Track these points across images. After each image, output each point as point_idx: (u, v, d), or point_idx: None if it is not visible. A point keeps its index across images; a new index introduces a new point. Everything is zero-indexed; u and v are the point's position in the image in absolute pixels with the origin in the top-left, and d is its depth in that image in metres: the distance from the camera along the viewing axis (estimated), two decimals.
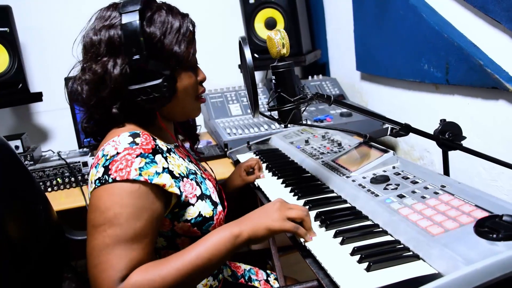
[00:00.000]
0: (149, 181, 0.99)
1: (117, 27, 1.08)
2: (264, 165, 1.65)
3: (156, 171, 1.02)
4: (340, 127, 2.08)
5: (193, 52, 1.18)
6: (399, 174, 1.24)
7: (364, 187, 1.22)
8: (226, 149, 2.02)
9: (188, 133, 1.43)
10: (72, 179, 1.91)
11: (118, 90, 1.08)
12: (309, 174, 1.49)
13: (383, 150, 1.37)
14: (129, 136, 1.05)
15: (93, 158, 1.07)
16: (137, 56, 1.05)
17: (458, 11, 1.66)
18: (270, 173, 1.56)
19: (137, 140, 1.05)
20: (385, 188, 1.17)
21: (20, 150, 1.93)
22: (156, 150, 1.07)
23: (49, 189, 1.90)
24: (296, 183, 1.41)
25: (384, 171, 1.29)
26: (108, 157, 1.01)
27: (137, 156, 1.01)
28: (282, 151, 1.81)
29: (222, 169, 1.92)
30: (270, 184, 1.46)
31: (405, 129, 1.31)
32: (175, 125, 1.33)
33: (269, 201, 1.34)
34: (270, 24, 2.51)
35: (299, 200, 1.28)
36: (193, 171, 1.20)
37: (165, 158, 1.08)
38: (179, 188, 1.07)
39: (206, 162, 1.51)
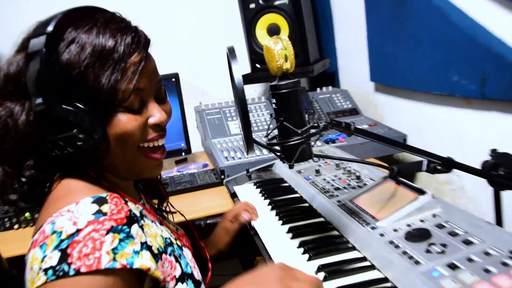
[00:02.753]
0: (128, 266, 0.71)
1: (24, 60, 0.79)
2: (266, 202, 1.35)
3: (133, 249, 0.73)
4: (356, 148, 1.82)
5: (139, 84, 0.82)
6: (444, 226, 0.94)
7: (397, 246, 0.91)
8: (222, 176, 1.73)
9: (150, 188, 1.12)
10: None
11: (26, 143, 0.80)
12: (322, 219, 1.19)
13: (417, 191, 1.07)
14: (92, 202, 0.75)
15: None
16: (39, 100, 0.75)
17: (495, 12, 1.38)
18: (273, 213, 1.26)
19: (105, 208, 0.75)
20: (427, 250, 0.87)
21: None
22: (131, 219, 0.77)
23: (15, 226, 1.60)
24: (307, 233, 1.11)
25: (422, 221, 0.99)
26: (64, 237, 0.70)
27: (107, 232, 0.72)
28: (287, 183, 1.51)
29: (219, 200, 1.64)
30: (273, 233, 1.16)
31: (446, 165, 1.01)
32: None
33: (269, 257, 1.04)
34: (273, 31, 2.23)
35: (310, 261, 0.98)
36: (169, 240, 0.90)
37: (142, 228, 0.80)
38: (157, 270, 0.78)
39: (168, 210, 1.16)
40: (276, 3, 2.17)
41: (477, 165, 1.08)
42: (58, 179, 0.84)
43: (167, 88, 2.03)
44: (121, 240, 0.72)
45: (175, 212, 1.16)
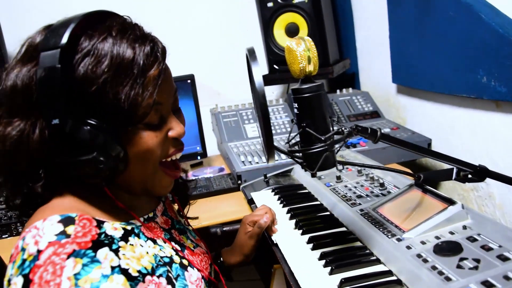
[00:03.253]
0: None
1: (34, 75, 0.74)
2: (285, 210, 1.30)
3: (102, 273, 0.69)
4: (378, 153, 1.76)
5: (159, 99, 0.78)
6: (475, 240, 0.88)
7: (426, 260, 0.85)
8: (239, 182, 1.68)
9: (175, 191, 1.08)
10: None
11: (38, 165, 0.77)
12: (344, 229, 1.13)
13: (446, 200, 1.00)
14: (58, 222, 0.72)
15: None
16: (55, 121, 0.70)
17: None
18: (292, 222, 1.21)
19: (70, 229, 0.71)
20: (459, 266, 0.81)
21: None
22: (99, 243, 0.73)
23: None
24: (328, 243, 1.05)
25: (452, 233, 0.92)
26: (26, 256, 0.68)
27: (68, 257, 0.68)
28: (307, 189, 1.45)
29: (236, 206, 1.59)
30: (292, 243, 1.11)
31: (479, 174, 0.95)
32: None
33: (289, 269, 0.99)
34: (292, 31, 2.18)
35: (332, 275, 0.92)
36: (167, 259, 0.86)
37: (116, 251, 0.75)
38: None
39: (197, 232, 1.14)
40: (295, 1, 2.12)
41: (507, 172, 1.02)
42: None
43: (182, 90, 1.99)
44: (84, 265, 0.69)
45: (196, 218, 1.14)
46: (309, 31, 2.13)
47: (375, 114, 2.18)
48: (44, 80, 0.70)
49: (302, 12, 2.12)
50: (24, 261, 0.67)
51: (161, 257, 0.84)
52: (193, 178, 1.85)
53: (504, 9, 1.42)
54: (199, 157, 2.07)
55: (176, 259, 0.88)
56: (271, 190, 1.50)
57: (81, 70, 0.72)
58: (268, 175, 1.60)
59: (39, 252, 0.67)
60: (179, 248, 0.93)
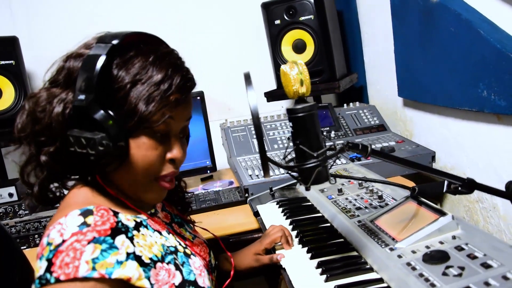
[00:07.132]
0: (107, 276, 0.75)
1: (83, 58, 0.86)
2: (287, 222, 1.36)
3: (117, 259, 0.78)
4: (383, 166, 1.80)
5: (170, 120, 0.87)
6: (463, 249, 0.92)
7: (414, 268, 0.90)
8: (246, 195, 1.74)
9: (172, 198, 1.17)
10: None
11: (53, 130, 0.85)
12: (342, 240, 1.18)
13: (438, 211, 1.05)
14: (79, 215, 0.81)
15: None
16: (82, 96, 0.81)
17: None
18: (294, 233, 1.27)
19: (89, 220, 0.80)
20: (444, 273, 0.86)
21: (15, 197, 1.72)
22: (117, 230, 0.82)
23: None
24: (326, 253, 1.11)
25: (441, 243, 0.97)
26: (52, 247, 0.76)
27: (89, 243, 0.77)
28: (310, 202, 1.51)
29: (243, 218, 1.65)
30: (293, 253, 1.17)
31: (467, 186, 0.99)
32: None
33: (288, 278, 1.05)
34: (299, 47, 2.26)
35: (328, 282, 0.98)
36: (173, 249, 0.94)
37: (131, 239, 0.84)
38: (149, 279, 0.82)
39: (195, 224, 1.20)
40: (302, 18, 2.19)
41: None
42: (72, 187, 0.91)
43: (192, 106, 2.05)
44: (103, 251, 0.77)
45: (191, 222, 1.19)
46: (316, 47, 2.19)
47: (382, 127, 2.22)
48: (88, 61, 0.83)
49: (308, 28, 2.19)
50: (50, 251, 0.76)
51: (168, 247, 0.92)
52: (202, 191, 1.92)
53: (503, 25, 1.45)
54: (208, 171, 2.14)
55: (180, 248, 0.96)
56: (276, 203, 1.56)
57: (117, 69, 0.84)
58: (274, 188, 1.66)
59: (63, 241, 0.76)
60: (181, 239, 1.01)
